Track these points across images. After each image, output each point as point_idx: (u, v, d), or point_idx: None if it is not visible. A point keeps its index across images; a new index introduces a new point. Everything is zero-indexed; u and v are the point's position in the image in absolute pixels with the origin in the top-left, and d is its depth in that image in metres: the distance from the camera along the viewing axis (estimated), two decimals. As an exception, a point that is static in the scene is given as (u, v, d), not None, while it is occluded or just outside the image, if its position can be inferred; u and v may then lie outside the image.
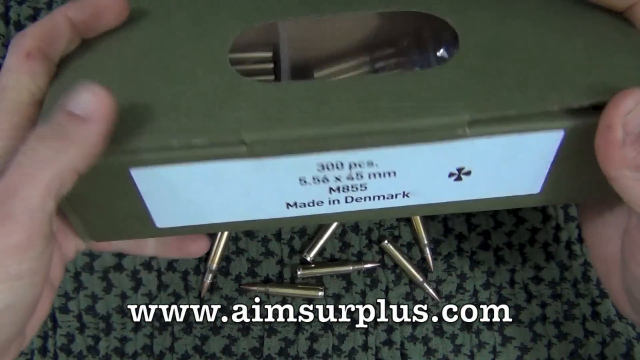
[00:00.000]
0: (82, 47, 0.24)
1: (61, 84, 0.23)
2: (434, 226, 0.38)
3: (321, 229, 0.38)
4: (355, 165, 0.22)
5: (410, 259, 0.38)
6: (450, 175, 0.23)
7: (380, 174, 0.23)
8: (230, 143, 0.21)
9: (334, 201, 0.24)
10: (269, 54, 0.32)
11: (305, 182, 0.23)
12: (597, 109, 0.21)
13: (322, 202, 0.24)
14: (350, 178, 0.23)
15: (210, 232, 0.25)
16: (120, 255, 0.38)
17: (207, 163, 0.21)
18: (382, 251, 0.38)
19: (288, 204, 0.24)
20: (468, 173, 0.23)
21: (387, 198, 0.24)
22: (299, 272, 0.37)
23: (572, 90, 0.21)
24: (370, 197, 0.24)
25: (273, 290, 0.37)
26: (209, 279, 0.37)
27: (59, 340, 0.38)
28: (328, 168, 0.22)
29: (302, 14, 0.25)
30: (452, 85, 0.22)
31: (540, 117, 0.21)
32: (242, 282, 0.38)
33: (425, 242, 0.38)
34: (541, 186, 0.25)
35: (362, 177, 0.23)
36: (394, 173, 0.23)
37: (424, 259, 0.38)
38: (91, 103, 0.19)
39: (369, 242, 0.38)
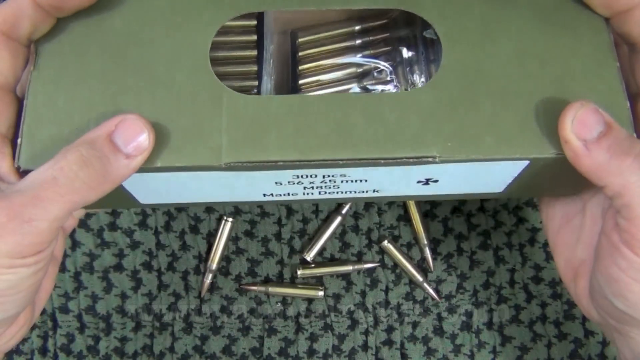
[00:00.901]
0: (59, 28, 0.24)
1: (40, 73, 0.23)
2: (434, 226, 0.38)
3: (321, 229, 0.38)
4: (328, 175, 0.23)
5: (410, 259, 0.38)
6: (419, 182, 0.25)
7: (352, 181, 0.24)
8: (210, 165, 0.22)
9: (307, 193, 0.26)
10: (253, 22, 0.31)
11: (281, 184, 0.24)
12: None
13: (296, 194, 0.26)
14: (323, 183, 0.24)
15: (191, 206, 0.27)
16: (120, 255, 0.38)
17: (188, 173, 0.23)
18: (382, 251, 0.38)
19: (265, 195, 0.26)
20: (435, 181, 0.25)
21: (359, 193, 0.26)
22: (299, 272, 0.37)
23: (539, 140, 0.22)
24: (342, 192, 0.26)
25: (273, 290, 0.37)
26: (209, 278, 0.37)
27: (59, 340, 0.37)
28: (303, 177, 0.23)
29: (287, 6, 0.25)
30: (426, 114, 0.22)
31: (504, 160, 0.23)
32: (242, 282, 0.38)
33: (425, 242, 0.38)
34: (504, 190, 0.26)
35: (335, 182, 0.24)
36: (365, 180, 0.24)
37: (424, 259, 0.38)
38: (140, 144, 0.20)
39: (369, 242, 0.38)
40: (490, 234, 0.38)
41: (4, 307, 0.22)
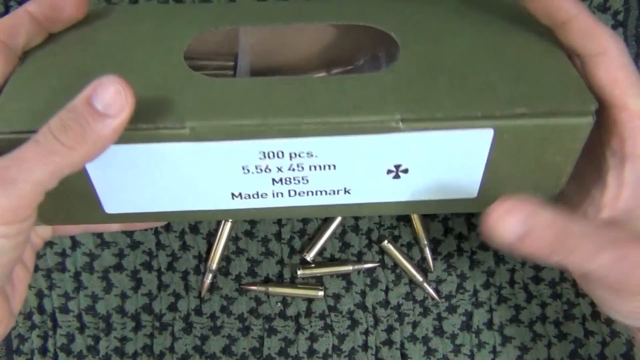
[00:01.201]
0: (48, 40, 0.26)
1: (19, 72, 0.24)
2: (434, 226, 0.38)
3: (321, 228, 0.38)
4: (295, 155, 0.23)
5: (410, 259, 0.38)
6: (389, 172, 0.24)
7: (320, 167, 0.24)
8: (174, 127, 0.22)
9: (277, 194, 0.25)
10: (230, 63, 0.33)
11: (248, 170, 0.24)
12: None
13: (265, 194, 0.25)
14: (291, 169, 0.24)
15: (158, 221, 0.26)
16: (120, 255, 0.38)
17: (152, 144, 0.23)
18: (382, 251, 0.38)
19: (233, 195, 0.25)
20: (405, 171, 0.24)
21: (329, 194, 0.25)
22: (299, 272, 0.37)
23: (497, 101, 0.23)
24: (312, 192, 0.25)
25: (273, 290, 0.37)
26: (209, 278, 0.37)
27: (59, 340, 0.38)
28: (269, 157, 0.23)
29: (260, 23, 0.27)
30: (387, 88, 0.24)
31: (467, 119, 0.23)
32: (242, 282, 0.38)
33: (425, 242, 0.38)
34: (478, 190, 0.25)
35: (302, 168, 0.24)
36: (334, 166, 0.24)
37: (424, 259, 0.38)
38: (116, 101, 0.21)
39: (369, 242, 0.38)
40: (490, 234, 0.38)
41: None
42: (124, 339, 0.38)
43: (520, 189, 0.25)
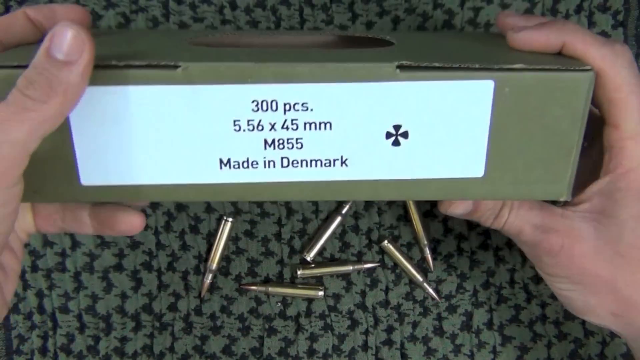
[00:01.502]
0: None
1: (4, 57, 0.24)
2: (434, 226, 0.38)
3: (321, 228, 0.38)
4: (290, 107, 0.23)
5: (410, 259, 0.38)
6: (388, 136, 0.23)
7: (315, 125, 0.23)
8: (167, 66, 0.22)
9: (269, 163, 0.24)
10: None
11: (239, 127, 0.23)
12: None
13: (256, 162, 0.24)
14: (285, 127, 0.23)
15: (137, 198, 0.24)
16: (120, 255, 0.38)
17: (142, 86, 0.22)
18: (382, 251, 0.38)
19: (221, 161, 0.24)
20: (405, 135, 0.23)
21: (325, 165, 0.24)
22: (299, 272, 0.37)
23: (496, 60, 0.23)
24: (306, 162, 0.24)
25: (273, 290, 0.37)
26: (209, 278, 0.37)
27: (59, 340, 0.38)
28: (263, 108, 0.23)
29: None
30: (383, 52, 0.25)
31: (466, 70, 0.23)
32: (242, 281, 0.38)
33: (425, 242, 0.38)
34: (484, 165, 0.24)
35: (297, 126, 0.23)
36: (330, 125, 0.23)
37: (423, 259, 0.38)
38: (74, 46, 0.21)
39: (368, 242, 0.38)
40: (490, 233, 0.38)
41: None
42: (124, 339, 0.38)
43: (529, 166, 0.24)
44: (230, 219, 0.37)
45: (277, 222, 0.38)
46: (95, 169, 0.24)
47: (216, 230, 0.37)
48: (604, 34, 0.36)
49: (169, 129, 0.23)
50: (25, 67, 0.21)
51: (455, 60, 0.23)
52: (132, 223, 0.29)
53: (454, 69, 0.22)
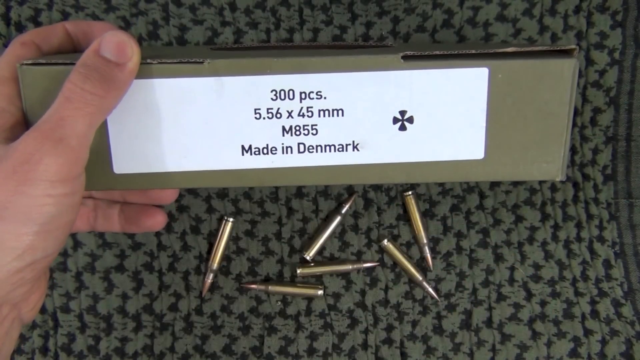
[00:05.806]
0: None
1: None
2: (433, 225, 0.38)
3: (321, 228, 0.38)
4: (305, 96, 0.25)
5: (409, 258, 0.38)
6: (395, 121, 0.25)
7: (329, 112, 0.25)
8: (195, 62, 0.25)
9: (287, 149, 0.26)
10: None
11: (260, 115, 0.25)
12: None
13: (275, 149, 0.26)
14: (301, 114, 0.25)
15: (165, 185, 0.26)
16: (121, 256, 0.38)
17: (173, 78, 0.25)
18: (382, 250, 0.38)
19: (243, 148, 0.26)
20: (410, 120, 0.25)
21: (338, 150, 0.26)
22: (298, 271, 0.37)
23: (490, 46, 0.26)
24: (321, 147, 0.26)
25: (273, 289, 0.37)
26: (209, 278, 0.38)
27: (60, 339, 0.38)
28: (281, 97, 0.25)
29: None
30: (387, 48, 0.27)
31: (463, 58, 0.25)
32: (243, 281, 0.38)
33: (425, 240, 0.38)
34: (484, 149, 0.26)
35: (312, 113, 0.25)
36: (342, 112, 0.25)
37: (423, 258, 0.38)
38: (123, 47, 0.23)
39: (368, 241, 0.38)
40: (489, 232, 0.38)
41: (45, 244, 0.23)
42: (124, 339, 0.38)
43: (525, 148, 0.26)
44: (231, 219, 0.37)
45: (277, 221, 0.38)
46: (127, 157, 0.26)
47: (217, 230, 0.38)
48: (602, 34, 0.36)
49: (195, 118, 0.25)
50: (72, 64, 0.23)
51: (454, 50, 0.25)
52: (156, 219, 0.32)
53: (452, 57, 0.25)
